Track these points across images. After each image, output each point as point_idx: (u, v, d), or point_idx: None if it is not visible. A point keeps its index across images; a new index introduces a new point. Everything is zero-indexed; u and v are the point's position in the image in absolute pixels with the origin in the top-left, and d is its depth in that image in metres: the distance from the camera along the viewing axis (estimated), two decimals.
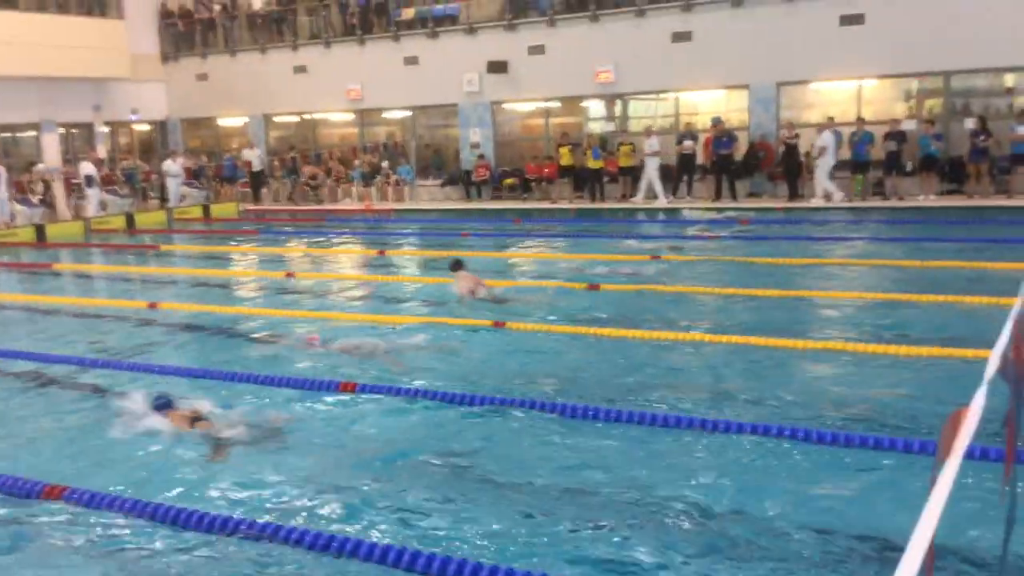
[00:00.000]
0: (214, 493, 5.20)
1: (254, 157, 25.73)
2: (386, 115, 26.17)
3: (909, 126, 18.82)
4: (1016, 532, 3.02)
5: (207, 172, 26.56)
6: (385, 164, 24.92)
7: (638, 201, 20.80)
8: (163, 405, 6.36)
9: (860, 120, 19.09)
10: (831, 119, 19.33)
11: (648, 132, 20.89)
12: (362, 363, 7.84)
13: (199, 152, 27.66)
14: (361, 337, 8.59)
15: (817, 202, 19.08)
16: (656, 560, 4.20)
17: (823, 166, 19.03)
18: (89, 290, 14.01)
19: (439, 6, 24.45)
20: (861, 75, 19.79)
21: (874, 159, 19.00)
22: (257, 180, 25.81)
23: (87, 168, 22.90)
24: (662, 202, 20.44)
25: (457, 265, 10.40)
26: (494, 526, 4.61)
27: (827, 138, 18.86)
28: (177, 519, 4.70)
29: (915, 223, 16.12)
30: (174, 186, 24.76)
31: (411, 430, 6.15)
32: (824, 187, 19.15)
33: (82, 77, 24.76)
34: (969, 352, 6.75)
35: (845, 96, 20.26)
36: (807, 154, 19.52)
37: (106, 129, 26.63)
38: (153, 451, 5.94)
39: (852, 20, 19.24)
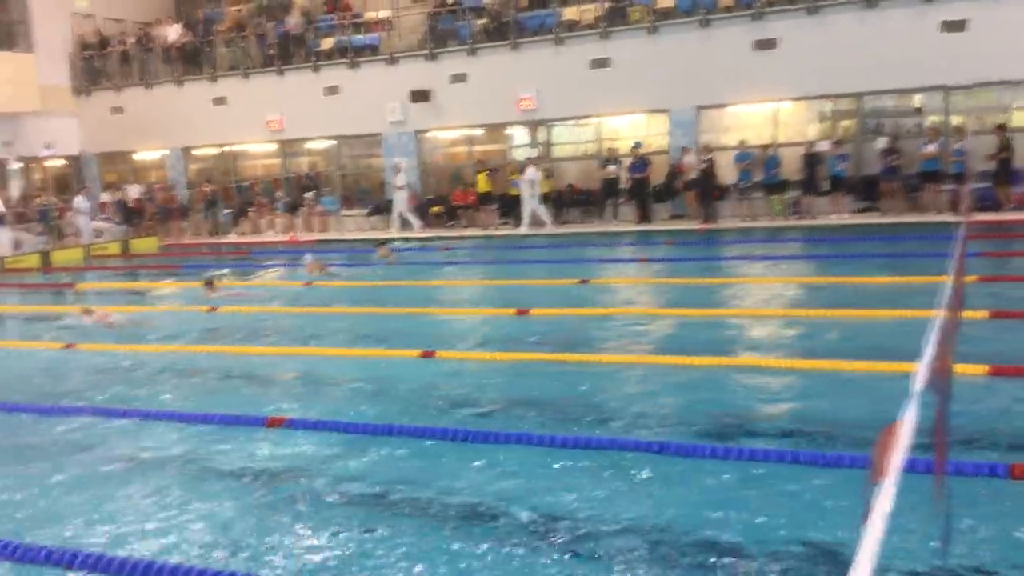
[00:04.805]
0: (124, 532, 5.00)
1: (135, 193, 25.84)
2: (309, 145, 25.92)
3: (823, 147, 19.35)
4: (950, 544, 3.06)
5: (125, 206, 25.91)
6: (310, 195, 24.66)
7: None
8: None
9: (764, 146, 19.61)
10: (530, 158, 21.51)
11: (398, 167, 22.71)
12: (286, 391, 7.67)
13: (117, 185, 26.95)
14: None
15: (524, 230, 20.68)
16: None
17: (528, 197, 20.65)
18: (0, 332, 13.50)
19: (359, 36, 24.39)
20: (776, 98, 20.30)
21: (791, 179, 19.51)
22: (129, 216, 25.59)
23: None
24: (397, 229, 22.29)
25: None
26: (424, 556, 4.52)
27: (531, 173, 20.66)
28: (97, 566, 4.49)
29: (831, 241, 16.54)
30: (84, 222, 24.02)
31: (338, 464, 6.02)
32: (535, 215, 20.78)
33: None
34: (893, 366, 6.90)
35: (762, 119, 20.75)
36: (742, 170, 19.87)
37: (19, 165, 25.79)
38: (84, 497, 5.70)
39: (765, 45, 19.76)
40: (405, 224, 22.61)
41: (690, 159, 20.32)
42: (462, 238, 20.89)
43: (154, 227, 25.33)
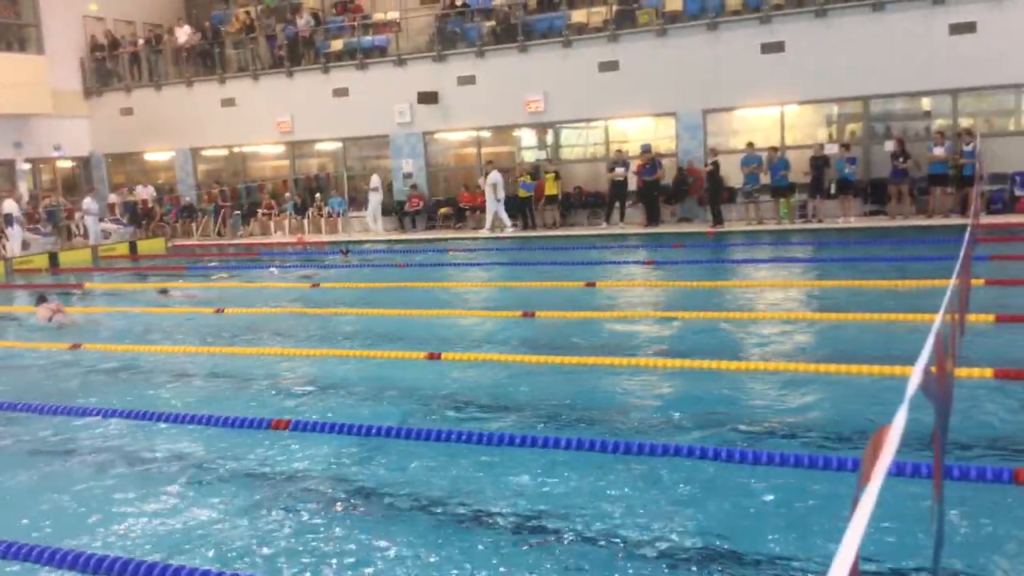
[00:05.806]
0: (131, 535, 5.02)
1: (144, 194, 26.13)
2: (317, 147, 25.98)
3: (832, 150, 19.32)
4: (945, 550, 3.05)
5: (136, 207, 26.03)
6: (317, 196, 24.73)
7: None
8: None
9: (773, 148, 19.61)
10: (490, 162, 22.35)
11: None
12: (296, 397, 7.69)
13: (126, 187, 27.08)
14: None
15: (487, 232, 21.42)
16: None
17: (493, 200, 21.47)
18: (8, 333, 13.53)
19: (367, 38, 24.46)
20: (783, 101, 20.29)
21: (799, 183, 19.48)
22: (137, 217, 25.88)
23: (8, 207, 22.23)
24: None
25: (40, 299, 12.55)
26: (425, 557, 4.54)
27: (495, 176, 21.43)
28: (92, 566, 4.50)
29: (838, 244, 16.50)
30: (92, 224, 24.08)
31: (343, 466, 6.04)
32: (499, 218, 21.64)
33: (1, 114, 24.10)
34: (897, 369, 6.88)
35: (769, 122, 20.72)
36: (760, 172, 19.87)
37: (27, 166, 25.90)
38: (71, 494, 5.73)
39: (773, 48, 19.74)
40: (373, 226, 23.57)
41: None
42: (469, 239, 20.92)
43: (162, 228, 25.47)
